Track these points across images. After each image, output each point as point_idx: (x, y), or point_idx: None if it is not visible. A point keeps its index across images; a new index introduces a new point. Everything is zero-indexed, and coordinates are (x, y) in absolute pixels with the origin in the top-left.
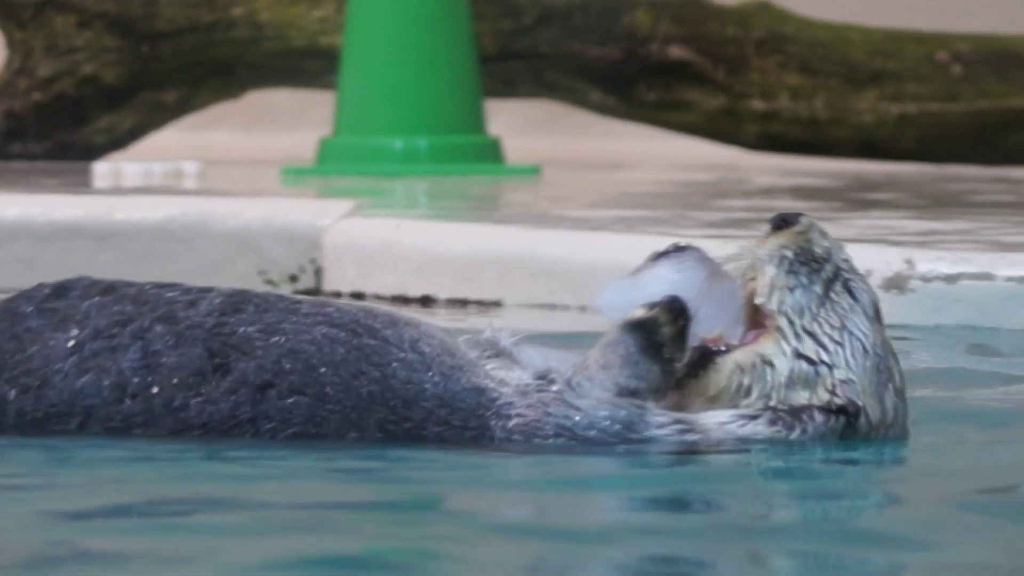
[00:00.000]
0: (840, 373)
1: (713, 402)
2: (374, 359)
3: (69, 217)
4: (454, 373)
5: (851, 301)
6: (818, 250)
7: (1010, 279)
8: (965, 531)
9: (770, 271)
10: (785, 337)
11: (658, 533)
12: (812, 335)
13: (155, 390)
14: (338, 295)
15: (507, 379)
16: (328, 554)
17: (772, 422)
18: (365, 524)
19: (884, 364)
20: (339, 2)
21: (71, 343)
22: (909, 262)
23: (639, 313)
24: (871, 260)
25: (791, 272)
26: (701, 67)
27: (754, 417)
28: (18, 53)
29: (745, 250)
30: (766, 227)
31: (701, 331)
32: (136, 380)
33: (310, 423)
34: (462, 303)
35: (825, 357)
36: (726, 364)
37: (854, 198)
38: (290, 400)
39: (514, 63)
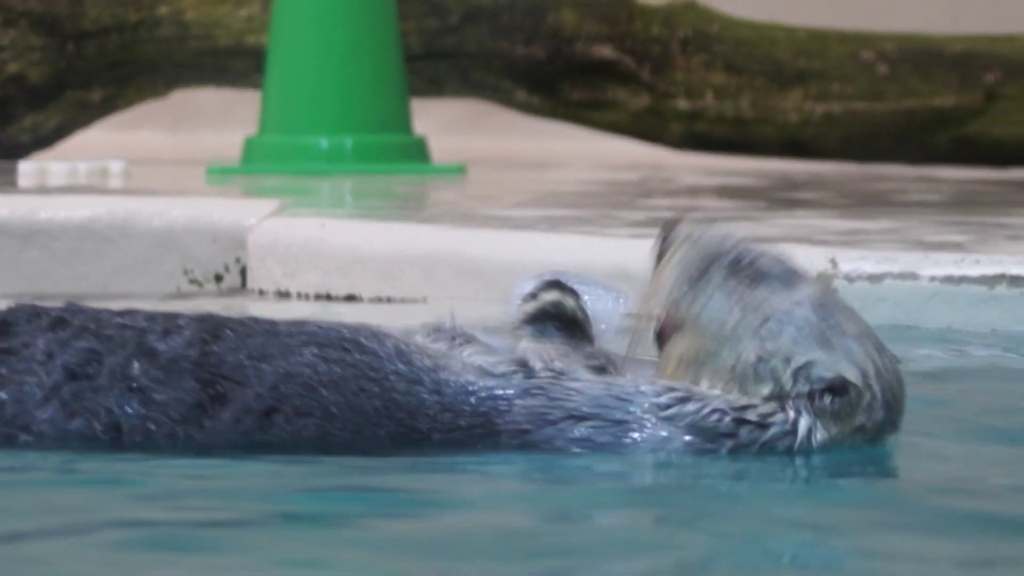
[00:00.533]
0: (796, 360)
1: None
2: (371, 374)
3: None
4: (445, 376)
5: (765, 283)
6: (710, 249)
7: (934, 279)
8: (886, 525)
9: (673, 289)
10: (717, 346)
11: (661, 540)
12: (741, 336)
13: (153, 427)
14: (262, 293)
15: (491, 370)
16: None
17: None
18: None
19: (830, 322)
20: (265, 1)
21: (45, 387)
22: (833, 261)
23: (533, 304)
24: (795, 259)
25: (694, 283)
26: (626, 66)
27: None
28: None
29: (647, 279)
30: (654, 244)
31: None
32: (131, 420)
33: (320, 444)
34: (387, 301)
35: (771, 348)
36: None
37: (779, 197)
38: (298, 423)
39: (440, 62)
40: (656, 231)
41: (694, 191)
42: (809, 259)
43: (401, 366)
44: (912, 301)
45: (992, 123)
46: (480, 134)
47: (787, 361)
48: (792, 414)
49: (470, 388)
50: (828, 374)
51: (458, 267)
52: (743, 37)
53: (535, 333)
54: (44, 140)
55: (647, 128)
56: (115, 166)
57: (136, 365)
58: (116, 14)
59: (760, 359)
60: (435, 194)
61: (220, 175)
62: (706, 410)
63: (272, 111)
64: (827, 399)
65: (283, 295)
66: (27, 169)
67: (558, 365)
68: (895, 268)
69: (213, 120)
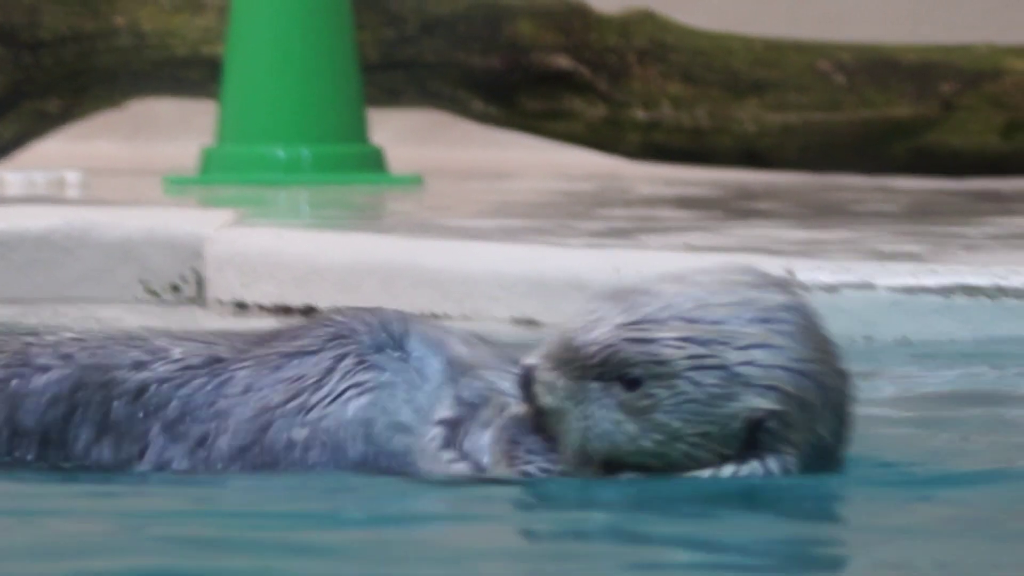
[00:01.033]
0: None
1: None
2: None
3: None
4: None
5: (631, 377)
6: (573, 376)
7: (891, 288)
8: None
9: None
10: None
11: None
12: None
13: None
14: (220, 303)
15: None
16: None
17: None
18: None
19: (709, 362)
20: (221, 11)
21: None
22: (790, 271)
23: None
24: None
25: (579, 408)
26: (583, 76)
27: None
28: None
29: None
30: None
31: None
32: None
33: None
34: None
35: (678, 427)
36: None
37: (736, 207)
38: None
39: (397, 72)
40: (612, 240)
41: (651, 201)
42: (766, 269)
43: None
44: (869, 311)
45: (949, 133)
46: (437, 144)
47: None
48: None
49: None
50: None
51: (416, 277)
52: (700, 47)
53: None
54: (1, 151)
55: (604, 138)
56: (72, 176)
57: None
58: (73, 24)
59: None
60: (392, 204)
61: (177, 186)
62: None
63: (229, 121)
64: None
65: (240, 306)
66: None
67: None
68: (852, 278)
69: (170, 131)
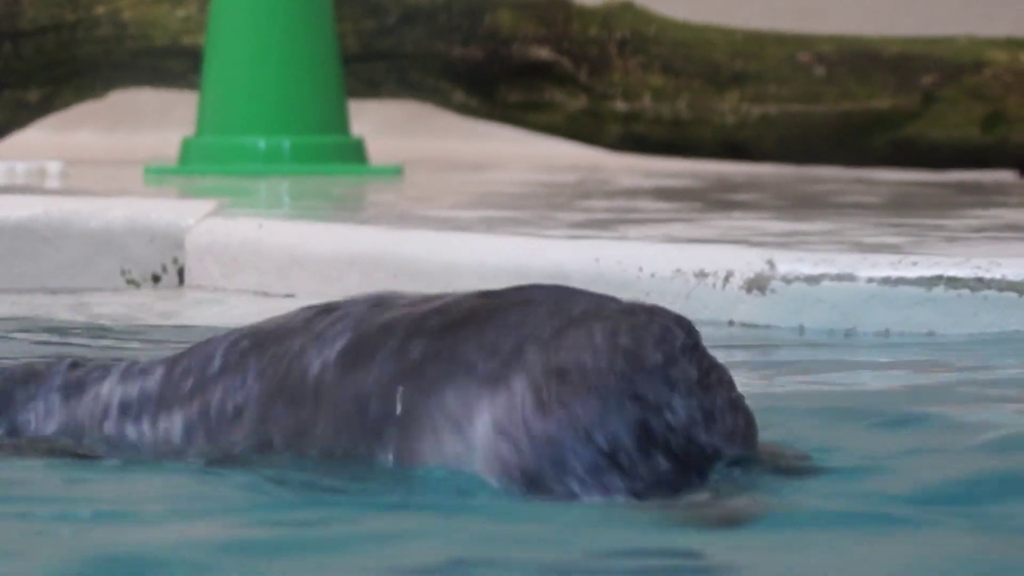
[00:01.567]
0: None
1: None
2: None
3: None
4: None
5: None
6: None
7: (871, 280)
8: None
9: None
10: None
11: None
12: None
13: None
14: (201, 293)
15: None
16: None
17: None
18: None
19: None
20: (202, 2)
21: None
22: (770, 263)
23: None
24: (732, 261)
25: None
26: (564, 68)
27: None
28: None
29: None
30: None
31: None
32: None
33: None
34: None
35: None
36: None
37: (716, 199)
38: None
39: (377, 63)
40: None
41: (632, 193)
42: (746, 260)
43: None
44: (849, 303)
45: (929, 126)
46: (417, 135)
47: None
48: None
49: None
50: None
51: (396, 268)
52: (680, 39)
53: None
54: None
55: (584, 130)
56: (53, 166)
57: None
58: (53, 14)
59: None
60: (373, 195)
61: (158, 176)
62: None
63: (209, 112)
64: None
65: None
66: None
67: None
68: (833, 270)
69: (151, 121)
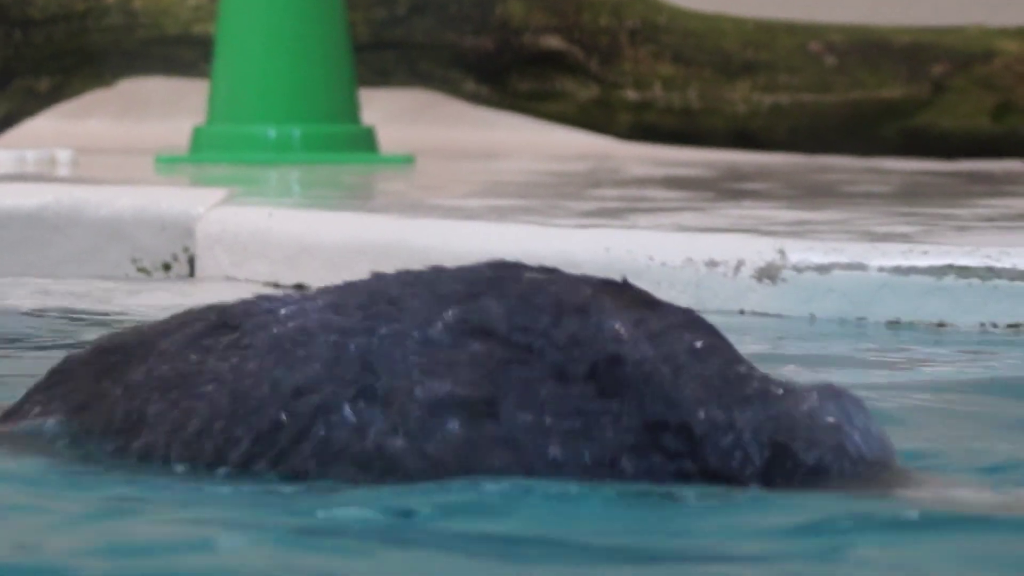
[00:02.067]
0: None
1: None
2: None
3: None
4: None
5: None
6: None
7: (882, 269)
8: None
9: None
10: None
11: None
12: None
13: None
14: (211, 281)
15: None
16: None
17: None
18: None
19: None
20: None
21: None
22: (781, 252)
23: None
24: (743, 250)
25: None
26: (574, 57)
27: None
28: None
29: None
30: None
31: None
32: None
33: None
34: None
35: None
36: None
37: (727, 188)
38: None
39: (388, 52)
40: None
41: (642, 182)
42: (757, 249)
43: None
44: (860, 292)
45: (940, 115)
46: (428, 124)
47: None
48: None
49: None
50: None
51: (407, 257)
52: (691, 28)
53: None
54: None
55: (595, 119)
56: (63, 155)
57: None
58: (64, 3)
59: None
60: (383, 184)
61: (168, 164)
62: None
63: (220, 101)
64: None
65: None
66: None
67: None
68: (843, 259)
69: (161, 109)
